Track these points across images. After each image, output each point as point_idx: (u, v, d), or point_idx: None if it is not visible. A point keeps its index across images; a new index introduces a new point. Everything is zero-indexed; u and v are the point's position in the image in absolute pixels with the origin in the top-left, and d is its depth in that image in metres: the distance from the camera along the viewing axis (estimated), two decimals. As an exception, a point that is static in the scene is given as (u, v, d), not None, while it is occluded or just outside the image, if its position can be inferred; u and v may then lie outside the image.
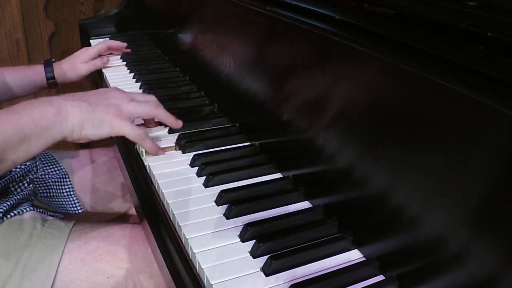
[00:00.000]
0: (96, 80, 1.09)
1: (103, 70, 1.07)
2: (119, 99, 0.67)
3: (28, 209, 0.76)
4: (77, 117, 0.62)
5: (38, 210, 0.79)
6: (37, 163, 0.88)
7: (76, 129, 0.62)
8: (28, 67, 1.03)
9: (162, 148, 0.70)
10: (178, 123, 0.74)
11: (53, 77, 1.02)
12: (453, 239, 0.39)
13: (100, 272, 0.72)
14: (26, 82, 0.99)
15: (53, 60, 1.06)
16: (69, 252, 0.71)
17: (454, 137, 0.38)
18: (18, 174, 0.81)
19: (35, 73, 1.01)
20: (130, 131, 0.66)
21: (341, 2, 0.63)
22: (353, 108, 0.50)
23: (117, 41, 1.15)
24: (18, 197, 0.78)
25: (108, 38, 1.18)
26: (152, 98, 0.73)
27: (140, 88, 0.95)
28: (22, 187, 0.81)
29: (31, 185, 0.83)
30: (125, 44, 1.17)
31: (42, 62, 1.03)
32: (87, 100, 0.64)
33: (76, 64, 1.05)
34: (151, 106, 0.70)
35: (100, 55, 1.10)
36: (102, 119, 0.64)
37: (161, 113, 0.72)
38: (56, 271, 0.69)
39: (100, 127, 0.64)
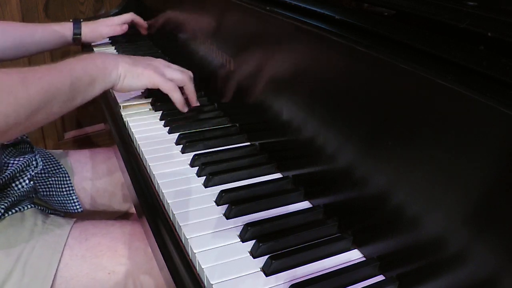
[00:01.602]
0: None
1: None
2: (159, 62, 0.81)
3: (29, 206, 0.77)
4: (123, 68, 0.76)
5: (39, 208, 0.80)
6: (36, 157, 0.88)
7: (121, 78, 0.76)
8: (58, 24, 1.15)
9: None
10: (194, 102, 0.83)
11: (79, 34, 1.15)
12: (453, 239, 0.39)
13: (101, 268, 0.72)
14: (55, 37, 1.12)
15: (81, 20, 1.19)
16: (70, 248, 0.72)
17: (454, 137, 0.38)
18: (18, 169, 0.81)
19: (65, 29, 1.14)
20: (163, 83, 0.78)
21: (341, 2, 0.63)
22: (353, 108, 0.50)
23: (140, 18, 1.27)
24: (19, 194, 0.79)
25: (131, 13, 1.28)
26: (187, 72, 0.83)
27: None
28: (23, 183, 0.81)
29: (31, 182, 0.83)
30: (146, 24, 1.28)
31: (71, 20, 1.17)
32: (134, 58, 0.79)
33: (99, 27, 1.20)
34: (183, 76, 0.81)
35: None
36: (142, 72, 0.77)
37: (189, 87, 0.82)
38: (57, 267, 0.70)
39: (138, 78, 0.77)
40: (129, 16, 1.25)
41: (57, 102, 0.64)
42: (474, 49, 0.41)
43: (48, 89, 0.62)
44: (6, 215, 0.74)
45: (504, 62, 0.38)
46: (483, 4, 0.44)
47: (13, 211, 0.75)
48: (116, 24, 1.21)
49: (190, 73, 0.83)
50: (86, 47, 1.23)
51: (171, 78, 0.79)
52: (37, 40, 1.09)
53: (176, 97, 0.79)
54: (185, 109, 0.81)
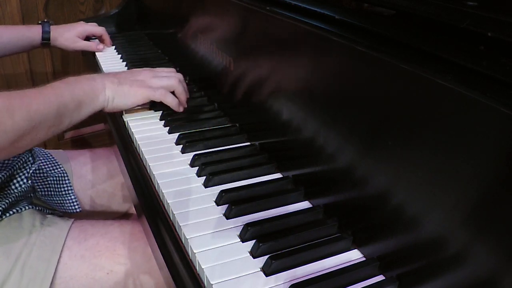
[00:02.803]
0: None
1: (104, 70, 1.07)
2: (144, 75, 0.80)
3: (26, 207, 0.77)
4: (110, 90, 0.75)
5: (37, 208, 0.79)
6: (32, 153, 0.87)
7: (109, 101, 0.75)
8: (25, 26, 1.13)
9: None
10: (181, 109, 0.82)
11: (49, 38, 1.12)
12: (453, 239, 0.39)
13: (100, 268, 0.72)
14: (23, 40, 1.10)
15: (51, 22, 1.15)
16: (69, 249, 0.72)
17: (454, 137, 0.38)
18: (15, 167, 0.81)
19: (33, 33, 1.11)
20: (152, 94, 0.78)
21: (341, 2, 0.64)
22: (353, 108, 0.50)
23: (108, 37, 1.24)
24: (17, 194, 0.79)
25: (103, 28, 1.24)
26: (174, 75, 0.82)
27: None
28: (21, 183, 0.81)
29: (29, 181, 0.83)
30: (110, 44, 1.24)
31: (39, 22, 1.13)
32: (119, 77, 0.78)
33: (73, 35, 1.16)
34: (170, 81, 0.80)
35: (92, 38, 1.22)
36: (128, 90, 0.77)
37: (179, 90, 0.81)
38: (56, 267, 0.70)
39: (127, 98, 0.77)
40: (99, 31, 1.22)
41: (43, 128, 0.64)
42: (474, 49, 0.41)
43: (34, 116, 0.62)
44: (4, 216, 0.73)
45: (504, 62, 0.38)
46: (483, 4, 0.44)
47: (11, 212, 0.75)
48: (88, 35, 1.19)
49: (179, 76, 0.83)
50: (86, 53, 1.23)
51: (159, 86, 0.79)
52: (4, 43, 1.07)
53: (169, 101, 0.79)
54: (181, 109, 0.81)
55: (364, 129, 0.49)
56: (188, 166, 0.67)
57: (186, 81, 0.97)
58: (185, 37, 1.00)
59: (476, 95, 0.36)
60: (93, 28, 1.21)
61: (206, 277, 0.47)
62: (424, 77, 0.40)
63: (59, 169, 0.91)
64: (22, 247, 0.70)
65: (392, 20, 0.53)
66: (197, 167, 0.66)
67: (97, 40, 1.22)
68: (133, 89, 0.77)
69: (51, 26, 1.14)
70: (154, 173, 0.65)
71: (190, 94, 0.91)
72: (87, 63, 1.25)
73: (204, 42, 0.88)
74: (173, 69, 0.86)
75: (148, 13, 1.31)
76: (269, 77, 0.66)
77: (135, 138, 0.75)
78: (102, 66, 1.09)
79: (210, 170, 0.64)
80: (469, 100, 0.36)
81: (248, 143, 0.73)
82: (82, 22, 1.21)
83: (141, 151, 0.71)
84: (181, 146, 0.72)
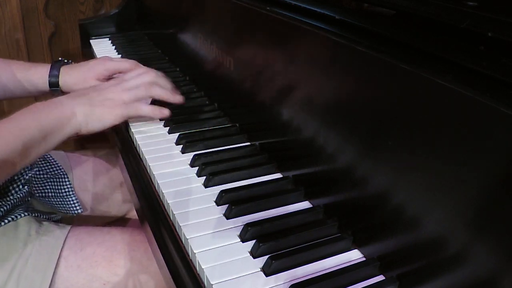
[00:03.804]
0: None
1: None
2: (113, 91, 0.74)
3: (22, 215, 0.75)
4: (81, 113, 0.70)
5: (33, 215, 0.78)
6: None
7: (83, 125, 0.70)
8: (31, 66, 0.89)
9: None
10: (176, 98, 0.77)
11: (57, 84, 0.87)
12: (453, 239, 0.39)
13: (96, 278, 0.71)
14: (28, 85, 0.89)
15: (65, 61, 0.91)
16: (65, 259, 0.71)
17: (454, 137, 0.38)
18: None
19: (38, 77, 0.88)
20: (125, 111, 0.72)
21: (341, 2, 0.63)
22: (353, 108, 0.50)
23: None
24: (13, 201, 0.77)
25: (135, 62, 0.90)
26: (145, 78, 0.76)
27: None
28: (17, 189, 0.80)
29: (26, 187, 0.82)
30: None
31: (52, 62, 0.90)
32: (89, 98, 0.71)
33: (88, 78, 0.88)
34: (144, 89, 0.74)
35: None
36: (101, 113, 0.71)
37: (156, 93, 0.76)
38: (52, 278, 0.69)
39: (101, 120, 0.71)
40: (126, 66, 0.88)
41: (7, 166, 0.61)
42: (474, 49, 0.41)
43: None
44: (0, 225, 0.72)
45: (504, 62, 0.38)
46: (483, 4, 0.44)
47: (6, 221, 0.73)
48: (110, 74, 0.88)
49: (148, 78, 0.76)
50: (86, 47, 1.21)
51: (133, 100, 0.73)
52: (4, 85, 0.87)
53: (145, 112, 0.74)
54: (166, 112, 0.75)
55: (364, 129, 0.49)
56: (188, 166, 0.67)
57: (186, 81, 0.97)
58: (185, 37, 1.00)
59: (476, 95, 0.36)
60: (118, 64, 0.89)
61: (206, 277, 0.47)
62: (424, 77, 0.40)
63: (58, 170, 0.91)
64: (18, 257, 0.69)
65: (392, 20, 0.53)
66: (197, 167, 0.66)
67: None
68: (106, 110, 0.71)
69: (64, 68, 0.88)
70: (154, 173, 0.65)
71: (190, 94, 0.91)
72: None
73: (204, 42, 0.88)
74: (139, 68, 0.79)
75: (148, 13, 1.31)
76: (269, 77, 0.66)
77: (135, 138, 0.75)
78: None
79: (210, 170, 0.64)
80: (469, 100, 0.36)
81: (248, 143, 0.73)
82: (105, 58, 0.92)
83: (141, 151, 0.71)
84: (181, 146, 0.72)
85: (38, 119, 0.66)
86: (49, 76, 0.87)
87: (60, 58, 0.93)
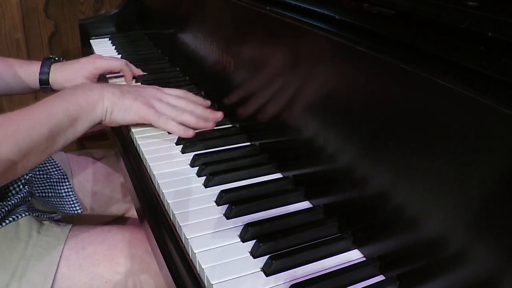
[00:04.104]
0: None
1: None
2: (151, 93, 0.72)
3: (23, 214, 0.75)
4: (109, 101, 0.68)
5: (34, 214, 0.78)
6: None
7: (108, 113, 0.68)
8: (22, 63, 0.90)
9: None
10: (208, 124, 0.73)
11: (47, 82, 0.88)
12: (453, 239, 0.39)
13: (98, 277, 0.71)
14: (19, 83, 0.89)
15: (56, 58, 0.91)
16: (66, 259, 0.71)
17: (454, 137, 0.38)
18: None
19: (29, 73, 0.88)
20: (154, 117, 0.70)
21: (341, 2, 0.63)
22: (353, 108, 0.50)
23: (132, 68, 0.97)
24: (14, 201, 0.77)
25: (125, 61, 0.96)
26: (181, 103, 0.73)
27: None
28: (17, 189, 0.80)
29: (26, 187, 0.82)
30: (139, 71, 0.99)
31: (44, 58, 0.90)
32: (121, 89, 0.70)
33: (78, 77, 0.89)
34: (176, 113, 0.71)
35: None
36: (130, 105, 0.69)
37: (187, 120, 0.72)
38: (54, 278, 0.69)
39: (127, 113, 0.69)
40: (117, 65, 0.93)
41: (35, 154, 0.60)
42: (474, 49, 0.41)
43: (23, 144, 0.57)
44: (0, 226, 0.72)
45: (504, 62, 0.38)
46: (483, 4, 0.44)
47: (7, 221, 0.73)
48: (100, 73, 0.92)
49: (186, 104, 0.73)
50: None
51: (164, 112, 0.71)
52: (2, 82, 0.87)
53: (172, 128, 0.71)
54: (190, 133, 0.70)
55: (364, 129, 0.49)
56: (188, 166, 0.67)
57: (186, 81, 0.97)
58: (185, 37, 1.00)
59: (476, 95, 0.36)
60: (109, 63, 0.92)
61: (206, 277, 0.47)
62: (424, 77, 0.40)
63: (58, 171, 0.91)
64: (19, 259, 0.69)
65: (392, 20, 0.53)
66: (197, 167, 0.66)
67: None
68: (135, 104, 0.69)
69: (54, 65, 0.89)
70: (154, 173, 0.65)
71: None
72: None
73: (204, 42, 0.88)
74: (182, 92, 0.75)
75: (148, 13, 1.31)
76: (269, 77, 0.66)
77: (135, 138, 0.75)
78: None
79: (210, 170, 0.64)
80: (469, 100, 0.36)
81: (248, 143, 0.73)
82: (95, 56, 0.93)
83: (141, 151, 0.71)
84: (181, 146, 0.72)
85: (65, 105, 0.64)
86: (40, 73, 0.88)
87: (51, 56, 0.92)
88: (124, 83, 0.95)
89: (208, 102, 0.78)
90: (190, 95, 0.76)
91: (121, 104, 0.69)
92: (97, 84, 0.70)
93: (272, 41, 0.65)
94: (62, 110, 0.64)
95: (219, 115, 0.74)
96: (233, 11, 0.75)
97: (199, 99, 0.77)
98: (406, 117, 0.43)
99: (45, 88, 0.89)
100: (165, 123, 0.70)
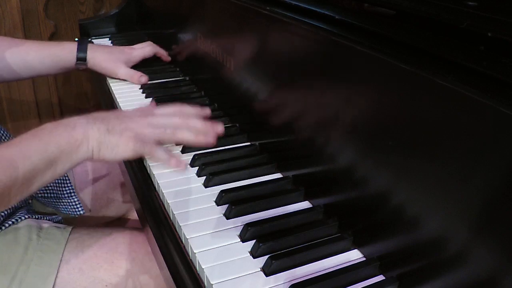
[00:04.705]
0: (95, 78, 1.09)
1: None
2: (137, 122, 0.67)
3: (23, 217, 0.75)
4: (95, 140, 0.63)
5: (34, 217, 0.78)
6: None
7: (94, 152, 0.63)
8: (58, 44, 0.95)
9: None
10: (209, 139, 0.67)
11: (85, 58, 0.94)
12: (453, 239, 0.39)
13: (98, 280, 0.71)
14: (53, 61, 0.94)
15: (90, 40, 0.99)
16: (67, 262, 0.71)
17: (454, 137, 0.38)
18: None
19: (66, 51, 0.94)
20: (140, 148, 0.64)
21: (341, 2, 0.63)
22: (353, 108, 0.50)
23: (162, 50, 1.07)
24: (14, 204, 0.77)
25: (152, 44, 1.06)
26: (175, 120, 0.68)
27: (140, 88, 0.95)
28: None
29: None
30: (166, 54, 1.08)
31: (76, 39, 0.96)
32: (107, 123, 0.65)
33: (116, 61, 0.97)
34: (170, 133, 0.67)
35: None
36: (116, 143, 0.64)
37: (184, 138, 0.67)
38: (54, 282, 0.69)
39: (114, 150, 0.64)
40: (150, 51, 1.04)
41: (2, 200, 0.55)
42: (474, 49, 0.41)
43: None
44: (0, 230, 0.72)
45: (504, 62, 0.38)
46: (483, 4, 0.44)
47: (7, 225, 0.73)
48: (137, 62, 1.00)
49: (183, 117, 0.68)
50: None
51: (156, 139, 0.66)
52: (29, 64, 0.91)
53: (161, 158, 0.66)
54: (182, 166, 0.66)
55: (364, 129, 0.49)
56: (189, 166, 0.67)
57: (186, 81, 0.97)
58: (185, 37, 1.00)
59: (476, 95, 0.36)
60: (143, 52, 1.02)
61: (206, 277, 0.47)
62: (424, 77, 0.40)
63: None
64: (19, 263, 0.69)
65: (392, 20, 0.53)
66: (197, 167, 0.66)
67: (139, 73, 0.98)
68: (122, 140, 0.64)
69: (91, 45, 0.96)
70: (154, 173, 0.65)
71: (190, 94, 0.91)
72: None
73: (204, 42, 0.88)
74: (177, 107, 0.70)
75: (148, 13, 1.31)
76: (269, 77, 0.66)
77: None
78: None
79: (210, 170, 0.64)
80: (469, 100, 0.36)
81: (248, 143, 0.73)
82: (130, 48, 1.02)
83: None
84: (181, 146, 0.72)
85: (43, 146, 0.59)
86: (78, 50, 0.93)
87: (85, 38, 1.00)
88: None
89: (208, 111, 0.73)
90: (186, 109, 0.70)
91: (107, 142, 0.63)
92: (82, 120, 0.64)
93: (272, 41, 0.65)
94: (39, 152, 0.58)
95: (220, 128, 0.69)
96: (233, 11, 0.75)
97: (196, 110, 0.71)
98: (406, 117, 0.43)
99: (79, 64, 0.94)
100: (152, 152, 0.65)
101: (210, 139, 0.67)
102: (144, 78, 0.97)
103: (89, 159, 0.64)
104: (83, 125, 0.63)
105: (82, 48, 0.94)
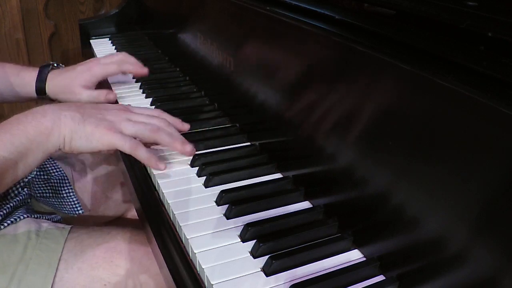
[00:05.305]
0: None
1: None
2: (115, 115, 0.63)
3: (22, 217, 0.75)
4: (67, 128, 0.60)
5: (33, 216, 0.78)
6: None
7: (66, 141, 0.60)
8: (19, 71, 0.85)
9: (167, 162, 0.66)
10: (185, 148, 0.65)
11: (44, 91, 0.83)
12: (453, 239, 0.39)
13: (97, 280, 0.71)
14: (16, 91, 0.84)
15: (55, 64, 0.86)
16: (65, 262, 0.71)
17: (454, 137, 0.38)
18: None
19: (27, 80, 0.83)
20: (120, 142, 0.61)
21: (341, 2, 0.63)
22: (353, 108, 0.50)
23: (133, 63, 0.90)
24: (13, 204, 0.77)
25: (123, 53, 0.91)
26: (154, 121, 0.66)
27: (140, 88, 0.95)
28: (16, 192, 0.80)
29: (25, 189, 0.81)
30: (142, 67, 0.91)
31: (41, 65, 0.86)
32: (82, 112, 0.61)
33: (75, 86, 0.83)
34: (149, 132, 0.64)
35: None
36: (91, 132, 0.60)
37: (162, 139, 0.64)
38: (53, 281, 0.69)
39: (88, 140, 0.61)
40: (114, 70, 0.87)
41: None
42: (474, 49, 0.41)
43: None
44: None
45: (504, 62, 0.38)
46: (483, 4, 0.44)
47: (6, 224, 0.72)
48: (99, 80, 0.86)
49: (157, 122, 0.66)
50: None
51: (132, 134, 0.63)
52: None
53: (141, 156, 0.62)
54: (162, 166, 0.63)
55: (364, 129, 0.49)
56: (188, 166, 0.67)
57: (186, 81, 0.97)
58: (185, 37, 1.00)
59: (476, 95, 0.36)
60: (105, 70, 0.86)
61: (207, 277, 0.47)
62: (424, 77, 0.40)
63: (59, 172, 0.91)
64: (18, 262, 0.68)
65: (392, 20, 0.53)
66: (197, 167, 0.66)
67: (104, 91, 0.86)
68: (98, 131, 0.60)
69: (52, 73, 0.84)
70: (154, 173, 0.65)
71: (190, 94, 0.91)
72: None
73: (204, 41, 0.88)
74: (157, 111, 0.69)
75: (148, 13, 1.31)
76: (269, 77, 0.66)
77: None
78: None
79: (210, 170, 0.64)
80: (469, 100, 0.36)
81: (248, 143, 0.73)
82: (93, 62, 0.87)
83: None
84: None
85: (10, 139, 0.56)
86: (36, 81, 0.83)
87: (51, 62, 0.88)
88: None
89: (187, 127, 0.70)
90: (166, 115, 0.68)
91: (81, 131, 0.60)
92: (54, 107, 0.60)
93: (272, 41, 0.65)
94: (6, 145, 0.55)
95: (189, 150, 0.66)
96: (233, 11, 0.75)
97: (177, 121, 0.68)
98: (406, 117, 0.43)
99: (42, 98, 0.85)
100: (134, 148, 0.62)
101: (188, 149, 0.65)
102: (111, 95, 0.86)
103: (62, 149, 0.61)
104: (54, 112, 0.59)
105: (40, 78, 0.83)
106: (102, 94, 0.85)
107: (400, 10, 0.51)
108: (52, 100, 0.85)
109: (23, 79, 0.83)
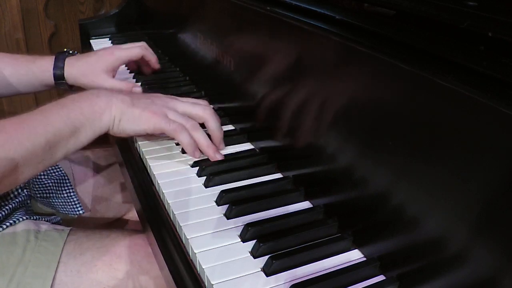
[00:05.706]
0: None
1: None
2: (163, 101, 0.67)
3: (21, 219, 0.75)
4: (118, 109, 0.63)
5: (33, 218, 0.77)
6: None
7: (115, 122, 0.63)
8: (35, 59, 0.86)
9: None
10: (216, 157, 0.66)
11: (62, 77, 0.85)
12: (453, 239, 0.39)
13: (96, 283, 0.71)
14: (31, 79, 0.86)
15: (70, 52, 0.88)
16: (64, 264, 0.71)
17: (454, 137, 0.38)
18: None
19: (42, 69, 0.85)
20: (165, 125, 0.64)
21: (341, 2, 0.63)
22: (353, 108, 0.50)
23: (153, 53, 0.95)
24: (12, 205, 0.77)
25: (144, 43, 0.94)
26: (199, 111, 0.68)
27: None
28: (16, 193, 0.80)
29: (25, 190, 0.81)
30: (156, 61, 0.97)
31: (57, 53, 0.87)
32: (132, 97, 0.65)
33: (95, 70, 0.85)
34: (191, 126, 0.66)
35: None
36: (139, 115, 0.64)
37: (198, 138, 0.66)
38: (52, 284, 0.68)
39: (136, 122, 0.64)
40: (137, 53, 0.90)
41: (29, 166, 0.55)
42: (474, 49, 0.41)
43: (15, 155, 0.53)
44: None
45: (504, 62, 0.38)
46: (483, 4, 0.44)
47: (5, 226, 0.72)
48: (120, 65, 0.89)
49: (207, 109, 0.69)
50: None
51: (176, 119, 0.66)
52: (6, 80, 0.84)
53: (183, 140, 0.65)
54: (196, 155, 0.66)
55: (364, 129, 0.49)
56: (189, 166, 0.67)
57: (186, 81, 0.97)
58: (185, 37, 1.00)
59: (476, 95, 0.36)
60: (128, 52, 0.89)
61: (207, 277, 0.47)
62: (424, 77, 0.40)
63: (59, 172, 0.91)
64: (17, 264, 0.68)
65: (393, 20, 0.53)
66: (198, 167, 0.66)
67: (130, 84, 0.88)
68: (145, 114, 0.64)
69: (69, 59, 0.85)
70: (154, 173, 0.65)
71: (190, 94, 0.91)
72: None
73: (204, 41, 0.88)
74: (204, 101, 0.72)
75: (148, 13, 1.31)
76: (269, 77, 0.66)
77: (135, 138, 0.75)
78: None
79: (210, 170, 0.64)
80: (469, 100, 0.36)
81: (248, 143, 0.73)
82: (113, 47, 0.91)
83: (142, 151, 0.71)
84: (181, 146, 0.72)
85: (67, 113, 0.59)
86: (54, 68, 0.84)
87: (65, 49, 0.89)
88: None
89: (222, 148, 0.71)
90: (210, 108, 0.70)
91: (130, 113, 0.63)
92: (106, 91, 0.65)
93: (272, 41, 0.65)
94: (62, 118, 0.58)
95: (219, 157, 0.67)
96: (233, 11, 0.75)
97: (217, 125, 0.69)
98: (406, 117, 0.43)
99: (60, 84, 0.86)
100: (179, 131, 0.65)
101: (218, 157, 0.66)
102: (138, 89, 0.87)
103: (110, 130, 0.64)
104: (107, 95, 0.63)
105: (58, 64, 0.84)
106: (128, 86, 0.86)
107: (400, 10, 0.51)
108: (70, 87, 0.87)
109: (41, 66, 0.85)
